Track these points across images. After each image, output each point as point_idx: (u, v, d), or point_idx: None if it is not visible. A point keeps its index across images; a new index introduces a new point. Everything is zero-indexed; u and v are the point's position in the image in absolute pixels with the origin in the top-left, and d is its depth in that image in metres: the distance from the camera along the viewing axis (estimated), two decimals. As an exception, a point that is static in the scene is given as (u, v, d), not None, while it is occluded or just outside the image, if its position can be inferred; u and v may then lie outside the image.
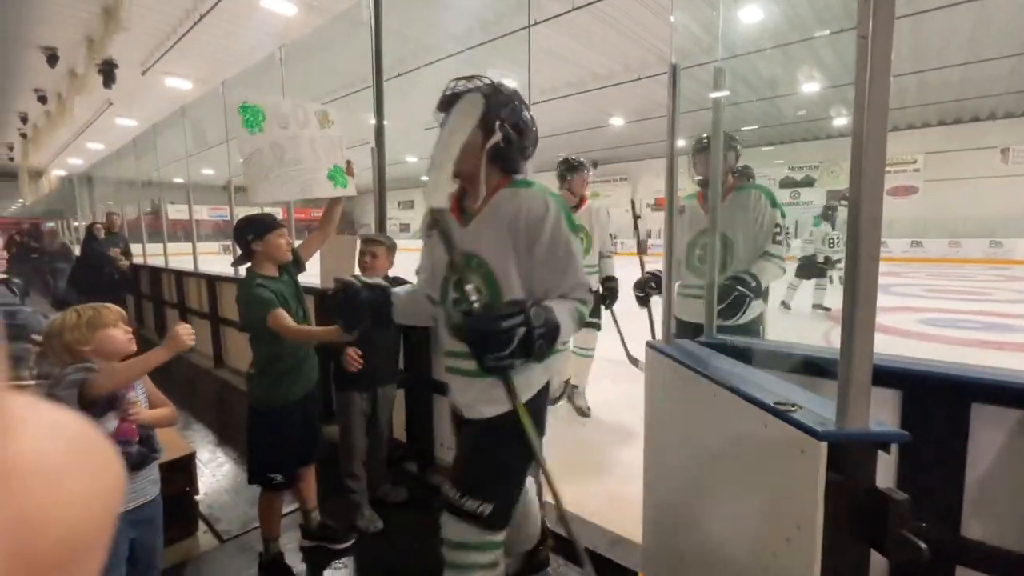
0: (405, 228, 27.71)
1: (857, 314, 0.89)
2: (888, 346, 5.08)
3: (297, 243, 2.21)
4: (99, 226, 6.12)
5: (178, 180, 12.12)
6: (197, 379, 4.78)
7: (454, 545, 1.30)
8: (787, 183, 19.46)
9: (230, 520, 2.36)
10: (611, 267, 3.36)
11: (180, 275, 5.70)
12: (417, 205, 28.34)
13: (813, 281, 7.05)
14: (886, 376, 1.19)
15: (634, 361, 3.17)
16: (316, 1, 8.07)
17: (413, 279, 1.68)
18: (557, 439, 2.76)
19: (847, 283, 0.90)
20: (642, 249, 3.07)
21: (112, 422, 1.40)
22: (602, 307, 3.33)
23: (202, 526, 2.32)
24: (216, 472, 2.86)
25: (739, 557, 1.16)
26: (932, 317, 6.73)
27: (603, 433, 3.15)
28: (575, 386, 3.47)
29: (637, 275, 2.60)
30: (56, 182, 21.87)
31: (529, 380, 1.30)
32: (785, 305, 7.00)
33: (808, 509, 0.91)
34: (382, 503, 2.37)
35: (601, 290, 3.30)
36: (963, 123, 16.50)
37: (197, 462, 2.38)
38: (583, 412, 3.38)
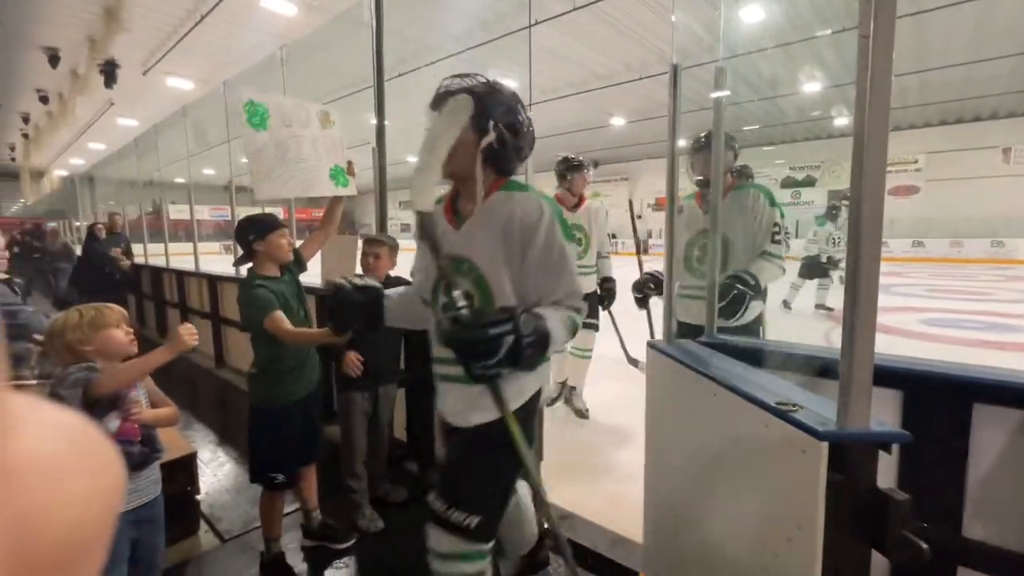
0: (406, 228, 27.70)
1: (858, 314, 0.89)
2: (889, 346, 5.07)
3: (299, 243, 2.22)
4: (100, 226, 6.13)
5: (179, 180, 12.14)
6: (198, 379, 4.79)
7: (440, 556, 1.27)
8: (788, 183, 19.44)
9: (231, 520, 2.37)
10: (609, 268, 3.34)
11: (181, 275, 5.71)
12: (418, 205, 28.28)
13: (816, 281, 7.05)
14: (887, 376, 1.18)
15: (633, 362, 3.17)
16: (317, 1, 8.07)
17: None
18: (556, 440, 2.76)
19: (848, 283, 0.90)
20: (640, 249, 3.05)
21: (114, 422, 1.40)
22: (600, 308, 3.32)
23: (203, 526, 2.32)
24: (217, 472, 2.86)
25: (740, 557, 1.16)
26: (934, 317, 6.72)
27: (603, 433, 3.15)
28: (573, 387, 3.43)
29: (636, 275, 2.59)
30: (58, 182, 21.91)
31: (521, 388, 1.27)
32: (786, 305, 6.99)
33: (809, 509, 0.91)
34: (383, 503, 2.37)
35: (599, 291, 3.29)
36: (965, 123, 16.47)
37: (198, 462, 2.39)
38: (581, 414, 3.35)
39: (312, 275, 2.39)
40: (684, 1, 7.46)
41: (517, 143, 1.25)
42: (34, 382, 2.12)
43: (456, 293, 1.14)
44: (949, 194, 16.48)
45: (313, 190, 2.22)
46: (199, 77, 11.38)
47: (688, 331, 1.71)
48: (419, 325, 1.45)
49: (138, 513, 1.45)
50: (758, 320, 2.30)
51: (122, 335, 1.46)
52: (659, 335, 2.64)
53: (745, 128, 16.11)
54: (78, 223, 14.69)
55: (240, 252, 2.01)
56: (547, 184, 3.31)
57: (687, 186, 2.43)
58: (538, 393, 1.34)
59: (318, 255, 2.35)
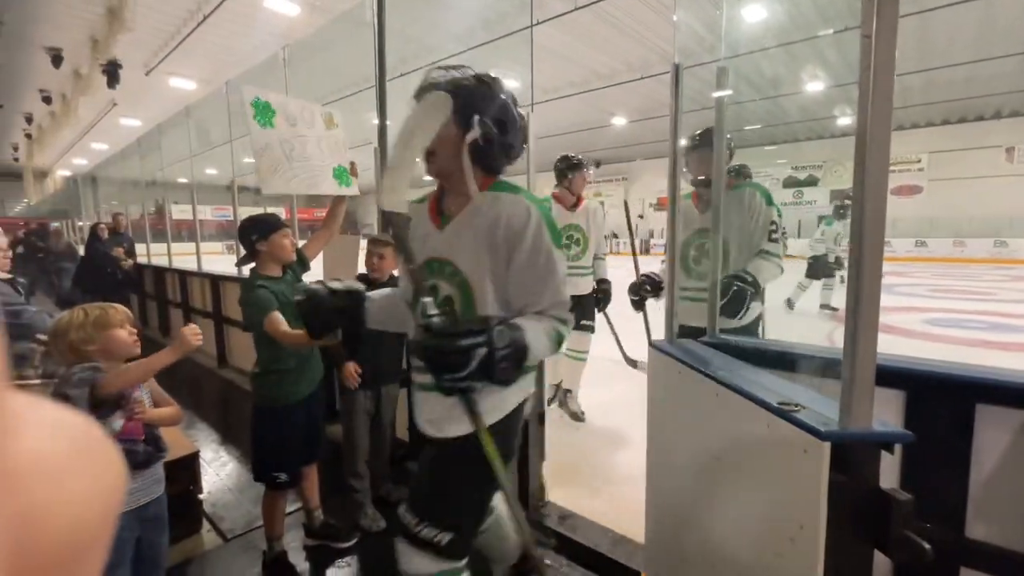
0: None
1: (861, 314, 0.89)
2: (892, 346, 5.05)
3: (301, 243, 2.23)
4: (103, 226, 6.16)
5: (182, 180, 12.17)
6: (201, 379, 4.80)
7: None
8: (790, 183, 19.42)
9: (234, 519, 2.37)
10: (604, 269, 3.31)
11: (184, 275, 5.73)
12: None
13: (821, 281, 7.02)
14: (890, 376, 1.18)
15: (632, 362, 3.15)
16: (319, 1, 8.09)
17: None
18: (557, 440, 2.76)
19: (851, 283, 0.90)
20: (636, 250, 3.02)
21: (118, 421, 1.41)
22: (595, 309, 3.28)
23: (206, 525, 2.33)
24: (220, 471, 2.87)
25: (742, 557, 1.16)
26: (936, 317, 6.71)
27: (603, 433, 3.15)
28: (568, 390, 3.36)
29: (635, 277, 2.57)
30: (61, 182, 22.00)
31: (501, 400, 1.20)
32: (789, 304, 6.97)
33: (811, 509, 0.91)
34: (385, 502, 2.38)
35: (595, 292, 3.25)
36: (968, 122, 16.43)
37: (201, 461, 2.40)
38: (576, 417, 3.28)
39: (314, 276, 2.39)
40: (686, 0, 7.45)
41: (505, 140, 1.17)
42: (37, 382, 2.13)
43: (427, 300, 1.06)
44: (952, 194, 16.44)
45: (317, 188, 2.24)
46: (202, 77, 11.42)
47: (686, 334, 1.70)
48: (403, 328, 1.39)
49: (141, 512, 1.45)
50: (757, 321, 2.28)
51: (126, 335, 1.46)
52: (655, 338, 2.64)
53: (747, 128, 16.09)
54: (81, 223, 14.74)
55: (243, 252, 2.01)
56: (548, 184, 3.30)
57: (683, 186, 2.41)
58: (521, 406, 1.27)
59: (321, 254, 2.36)
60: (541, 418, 2.29)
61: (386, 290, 1.44)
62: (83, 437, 0.21)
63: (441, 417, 1.20)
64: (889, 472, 1.18)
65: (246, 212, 2.32)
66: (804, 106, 14.23)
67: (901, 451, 1.20)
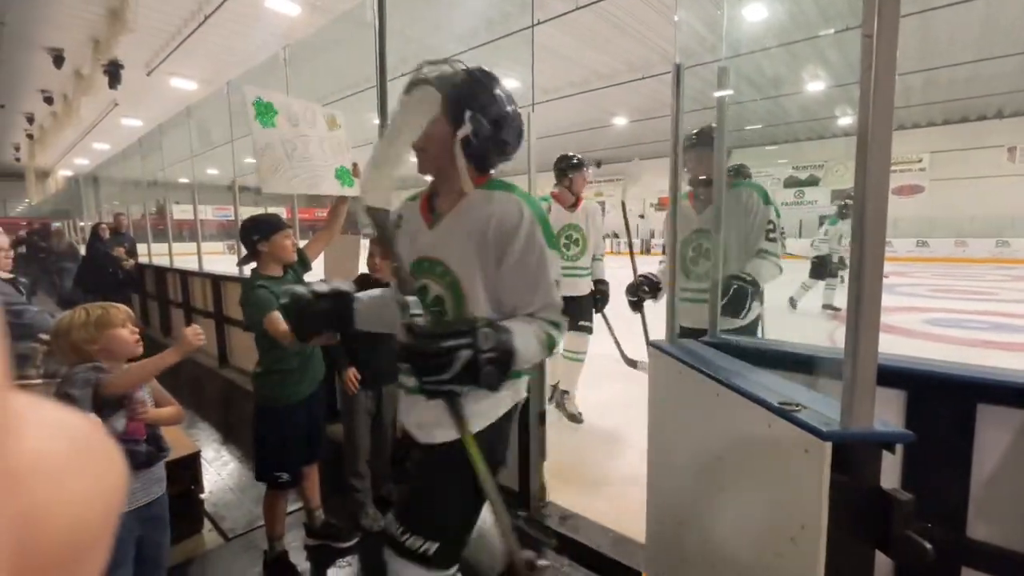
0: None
1: (862, 313, 0.89)
2: (893, 346, 5.04)
3: (302, 243, 2.23)
4: (104, 226, 6.17)
5: (183, 180, 12.18)
6: (202, 378, 4.81)
7: None
8: (791, 182, 19.41)
9: (235, 518, 2.38)
10: (602, 270, 3.29)
11: (185, 275, 5.73)
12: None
13: (824, 281, 7.00)
14: (891, 376, 1.18)
15: (631, 363, 3.13)
16: (320, 1, 8.10)
17: None
18: (555, 441, 2.76)
19: (852, 283, 0.90)
20: (634, 250, 2.98)
21: (121, 421, 1.41)
22: (593, 310, 3.26)
23: (207, 524, 2.33)
24: (221, 471, 2.88)
25: (743, 557, 1.16)
26: (938, 317, 6.70)
27: (603, 433, 3.15)
28: (565, 391, 3.32)
29: (634, 277, 2.54)
30: (62, 182, 22.02)
31: (493, 404, 1.16)
32: (792, 303, 6.94)
33: (812, 509, 0.91)
34: (386, 502, 2.38)
35: (594, 293, 3.23)
36: (969, 122, 16.42)
37: (202, 460, 2.40)
38: (574, 418, 3.24)
39: (316, 275, 2.39)
40: (687, 0, 7.45)
41: (498, 137, 1.12)
42: (39, 381, 2.13)
43: (411, 299, 1.04)
44: (953, 193, 16.42)
45: (319, 188, 2.24)
46: (203, 77, 11.44)
47: (684, 335, 1.69)
48: (393, 329, 1.33)
49: (143, 511, 1.46)
50: (756, 321, 2.27)
51: (128, 334, 1.47)
52: (654, 339, 2.63)
53: (748, 127, 16.08)
54: (82, 223, 14.75)
55: (244, 252, 2.02)
56: (549, 184, 3.30)
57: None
58: (512, 412, 1.23)
59: (322, 255, 2.36)
60: (542, 418, 2.29)
61: (377, 291, 1.40)
62: (84, 437, 0.21)
63: (429, 422, 1.15)
64: (890, 472, 1.18)
65: (247, 212, 2.33)
66: (805, 106, 14.23)
67: (902, 451, 1.20)
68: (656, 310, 2.55)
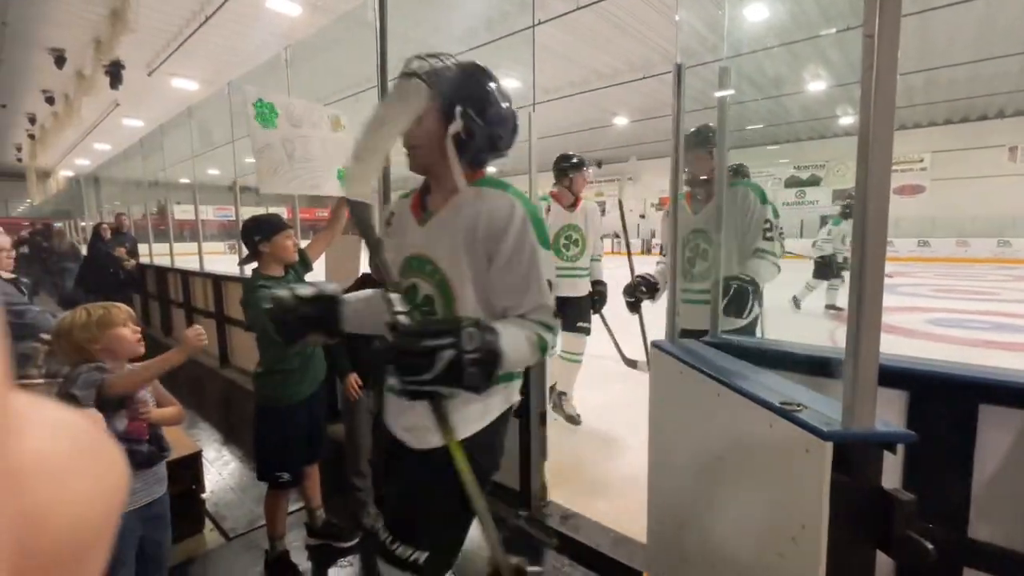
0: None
1: (863, 313, 0.89)
2: (894, 346, 5.04)
3: (303, 243, 2.23)
4: (105, 226, 6.18)
5: (184, 180, 12.20)
6: (203, 378, 4.81)
7: None
8: (793, 182, 19.40)
9: (236, 518, 2.38)
10: (600, 271, 3.27)
11: (186, 275, 5.74)
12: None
13: (827, 281, 6.98)
14: (892, 376, 1.18)
15: (631, 363, 3.12)
16: (321, 2, 8.11)
17: None
18: (555, 440, 2.75)
19: (853, 282, 0.90)
20: (631, 250, 2.97)
21: (123, 421, 1.41)
22: (591, 311, 3.24)
23: (208, 524, 2.34)
24: (222, 471, 2.88)
25: (744, 557, 1.16)
26: (939, 317, 6.69)
27: (602, 433, 3.14)
28: (562, 393, 3.29)
29: (637, 276, 2.53)
30: (63, 182, 22.05)
31: (485, 410, 1.13)
32: (796, 303, 6.92)
33: (813, 509, 0.91)
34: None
35: (592, 294, 3.21)
36: (971, 121, 16.40)
37: (203, 460, 2.40)
38: (572, 420, 3.21)
39: (317, 275, 2.40)
40: (688, 0, 7.45)
41: (491, 133, 1.09)
42: (41, 381, 2.14)
43: (393, 296, 1.01)
44: (955, 193, 16.40)
45: (319, 189, 2.25)
46: (204, 78, 11.45)
47: (683, 336, 1.68)
48: (382, 330, 1.26)
49: (144, 511, 1.46)
50: (755, 321, 2.26)
51: (129, 334, 1.47)
52: (651, 342, 2.61)
53: (749, 127, 16.07)
54: (84, 223, 14.78)
55: (245, 252, 2.02)
56: (552, 185, 3.29)
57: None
58: (504, 416, 1.18)
59: (323, 255, 2.36)
60: (543, 418, 2.29)
61: (367, 291, 1.34)
62: (85, 437, 0.21)
63: (420, 426, 1.10)
64: (891, 472, 1.18)
65: (248, 212, 2.34)
66: (806, 106, 14.22)
67: (904, 451, 1.20)
68: (654, 311, 2.55)
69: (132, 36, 8.41)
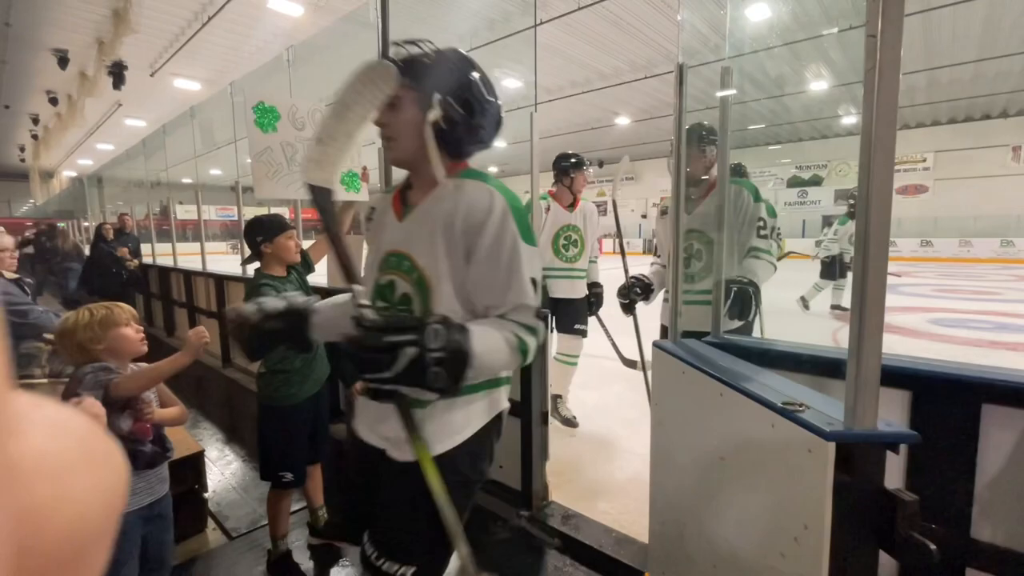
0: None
1: (866, 313, 0.89)
2: (897, 346, 5.04)
3: (306, 244, 2.24)
4: (108, 226, 6.20)
5: (186, 180, 12.22)
6: (206, 378, 4.82)
7: None
8: (795, 182, 19.36)
9: (238, 518, 2.38)
10: (596, 272, 3.25)
11: (189, 275, 5.75)
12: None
13: (834, 281, 6.94)
14: (895, 376, 1.18)
15: (630, 363, 3.10)
16: (323, 2, 8.11)
17: None
18: (556, 440, 2.75)
19: (855, 282, 0.90)
20: (625, 250, 2.94)
21: (127, 421, 1.42)
22: (587, 314, 3.21)
23: (211, 523, 2.34)
24: (224, 470, 2.88)
25: (746, 557, 1.16)
26: (942, 317, 6.67)
27: (602, 433, 3.13)
28: (558, 395, 3.24)
29: (639, 276, 2.51)
30: (66, 183, 22.11)
31: (467, 418, 1.06)
32: (804, 303, 6.87)
33: (816, 509, 0.91)
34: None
35: (589, 296, 3.19)
36: (974, 121, 16.35)
37: (206, 460, 2.41)
38: (569, 422, 3.15)
39: (319, 275, 2.40)
40: (690, 0, 7.44)
41: (472, 122, 1.03)
42: (44, 380, 2.15)
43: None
44: (958, 193, 16.36)
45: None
46: (206, 78, 11.47)
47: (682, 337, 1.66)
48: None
49: (147, 511, 1.46)
50: (752, 322, 2.25)
51: (132, 333, 1.48)
52: (647, 346, 2.60)
53: (751, 127, 16.05)
54: (86, 223, 14.82)
55: (248, 252, 2.03)
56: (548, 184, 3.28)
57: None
58: (492, 425, 1.11)
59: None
60: (544, 418, 2.29)
61: (343, 296, 1.22)
62: (86, 436, 0.21)
63: (403, 437, 1.03)
64: (894, 472, 1.17)
65: (250, 212, 2.34)
66: (808, 105, 14.19)
67: (906, 451, 1.20)
68: (648, 312, 2.55)
69: (134, 37, 8.43)
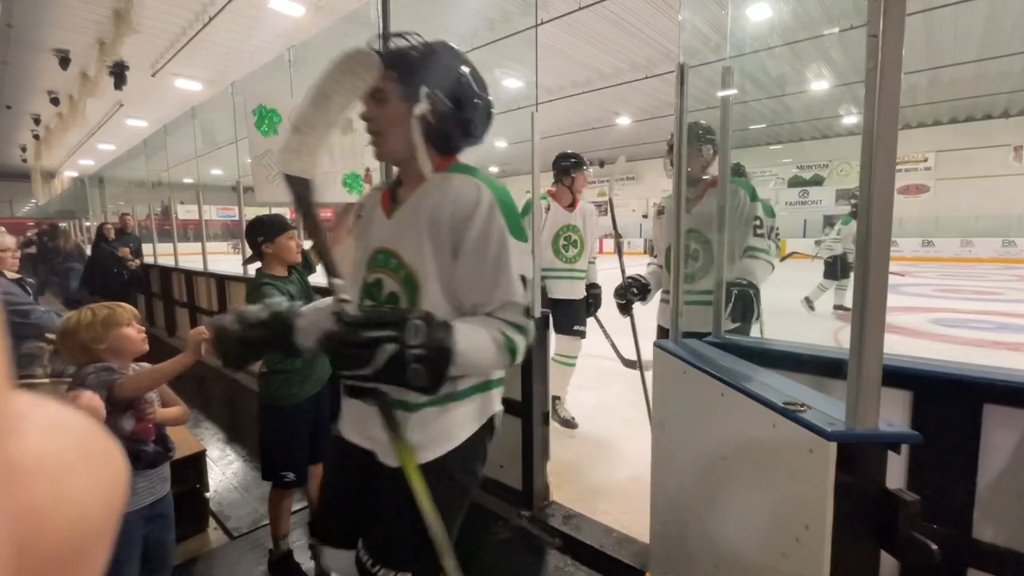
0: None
1: (867, 314, 0.89)
2: (899, 346, 5.04)
3: (307, 244, 2.24)
4: (109, 226, 6.22)
5: (188, 180, 12.25)
6: (207, 377, 4.83)
7: None
8: (796, 182, 19.34)
9: (240, 517, 2.39)
10: (595, 273, 3.24)
11: (190, 274, 5.76)
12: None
13: (838, 281, 6.91)
14: (897, 376, 1.18)
15: (629, 363, 3.09)
16: (324, 2, 8.12)
17: None
18: (558, 440, 2.74)
19: (857, 282, 0.90)
20: (622, 250, 2.91)
21: (129, 421, 1.42)
22: (586, 315, 3.20)
23: (212, 523, 2.34)
24: (226, 470, 2.89)
25: (747, 557, 1.16)
26: (943, 317, 6.66)
27: (604, 433, 3.13)
28: (556, 397, 3.22)
29: (639, 276, 2.50)
30: (68, 183, 22.15)
31: (455, 422, 1.02)
32: (809, 304, 6.85)
33: (817, 509, 0.91)
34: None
35: (587, 297, 3.18)
36: (975, 120, 16.32)
37: (207, 460, 2.41)
38: (569, 424, 3.13)
39: (319, 276, 2.40)
40: (691, 0, 7.44)
41: (462, 116, 1.01)
42: (46, 380, 2.15)
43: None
44: (959, 193, 16.34)
45: (321, 196, 2.25)
46: (207, 78, 11.48)
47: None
48: None
49: (148, 510, 1.47)
50: (751, 324, 2.24)
51: (135, 333, 1.48)
52: (644, 346, 2.58)
53: (752, 127, 16.03)
54: (88, 223, 14.85)
55: (249, 252, 2.03)
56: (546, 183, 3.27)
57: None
58: (485, 430, 1.08)
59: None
60: (545, 417, 2.29)
61: (327, 299, 1.16)
62: (86, 436, 0.21)
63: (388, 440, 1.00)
64: (895, 472, 1.17)
65: (251, 212, 2.35)
66: (809, 105, 14.18)
67: (908, 451, 1.20)
68: (645, 312, 2.54)
69: (135, 37, 8.44)
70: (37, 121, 14.86)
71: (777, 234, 2.25)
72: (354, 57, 0.94)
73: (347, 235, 2.46)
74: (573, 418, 3.18)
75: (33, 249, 8.72)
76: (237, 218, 4.48)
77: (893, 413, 1.20)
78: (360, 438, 1.09)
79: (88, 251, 7.44)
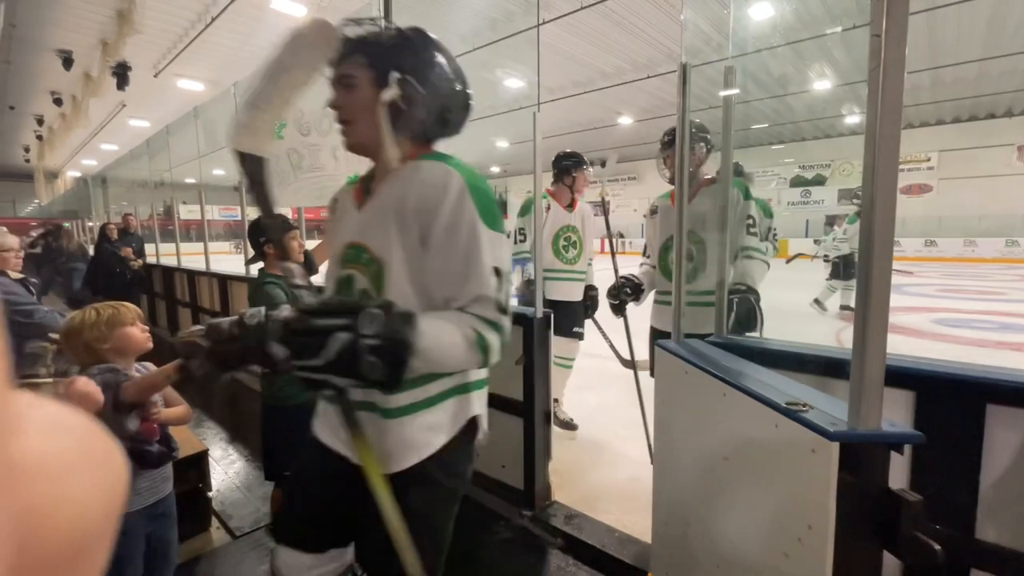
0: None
1: (870, 313, 0.88)
2: (901, 346, 5.02)
3: (309, 244, 2.24)
4: (112, 226, 6.24)
5: (190, 180, 12.26)
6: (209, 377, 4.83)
7: None
8: (798, 182, 19.31)
9: (242, 517, 2.39)
10: (592, 275, 3.22)
11: (192, 274, 5.77)
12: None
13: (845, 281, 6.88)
14: (899, 376, 1.18)
15: (629, 363, 3.09)
16: (326, 2, 8.12)
17: None
18: (559, 440, 2.74)
19: (860, 282, 0.89)
20: (615, 250, 2.89)
21: (134, 421, 1.42)
22: (583, 316, 3.19)
23: (215, 522, 2.35)
24: (228, 469, 2.89)
25: (749, 557, 1.15)
26: (946, 317, 6.64)
27: (604, 434, 3.13)
28: (554, 399, 3.14)
29: (633, 276, 2.48)
30: (71, 183, 22.22)
31: (429, 429, 0.97)
32: (820, 305, 6.81)
33: (820, 510, 0.91)
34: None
35: (584, 299, 3.17)
36: (978, 120, 16.27)
37: (210, 459, 2.41)
38: (568, 425, 3.11)
39: (320, 276, 2.41)
40: (693, -1, 7.43)
41: (434, 104, 0.95)
42: (50, 380, 2.15)
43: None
44: (962, 193, 16.29)
45: (324, 200, 2.26)
46: (210, 79, 11.51)
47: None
48: None
49: (151, 509, 1.47)
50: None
51: (138, 332, 1.48)
52: (640, 349, 2.57)
53: (754, 127, 16.01)
54: (91, 223, 14.89)
55: (252, 252, 2.03)
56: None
57: (664, 186, 2.33)
58: (465, 432, 1.02)
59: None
60: (547, 417, 2.29)
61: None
62: (85, 436, 0.21)
63: (390, 447, 0.97)
64: (898, 472, 1.17)
65: (254, 212, 2.35)
66: (811, 105, 14.16)
67: (911, 451, 1.19)
68: (640, 312, 2.54)
69: (138, 37, 8.46)
70: (40, 121, 14.91)
71: (775, 235, 2.23)
72: (311, 28, 0.89)
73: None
74: (572, 420, 3.16)
75: (38, 249, 8.75)
76: (239, 218, 4.48)
77: (896, 413, 1.20)
78: (334, 441, 1.05)
79: (91, 251, 7.45)
